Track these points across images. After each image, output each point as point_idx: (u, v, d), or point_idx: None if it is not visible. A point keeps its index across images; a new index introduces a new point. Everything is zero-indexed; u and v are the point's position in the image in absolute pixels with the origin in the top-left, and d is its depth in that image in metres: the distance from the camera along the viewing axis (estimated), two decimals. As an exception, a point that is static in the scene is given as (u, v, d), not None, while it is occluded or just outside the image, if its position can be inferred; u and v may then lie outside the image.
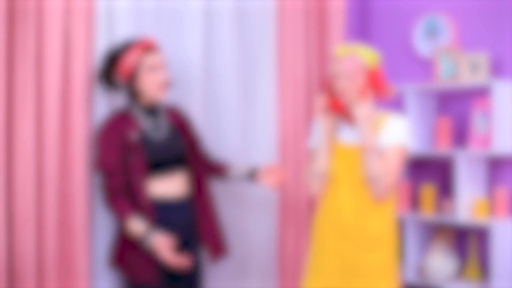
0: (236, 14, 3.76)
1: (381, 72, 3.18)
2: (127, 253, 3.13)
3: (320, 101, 3.20)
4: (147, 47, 3.16)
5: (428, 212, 4.11)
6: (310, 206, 4.03)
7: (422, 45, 4.30)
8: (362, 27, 4.60)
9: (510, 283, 3.79)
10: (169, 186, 3.19)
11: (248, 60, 3.86)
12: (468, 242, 4.15)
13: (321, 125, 3.20)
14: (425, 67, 4.35)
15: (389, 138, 3.13)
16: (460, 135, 4.20)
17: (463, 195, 3.90)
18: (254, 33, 3.86)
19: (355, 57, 3.11)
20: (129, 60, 3.13)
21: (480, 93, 4.13)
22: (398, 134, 3.14)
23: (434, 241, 4.10)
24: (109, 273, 3.33)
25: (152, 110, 3.21)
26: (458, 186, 3.90)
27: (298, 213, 3.97)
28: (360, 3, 4.59)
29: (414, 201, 4.41)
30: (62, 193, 3.19)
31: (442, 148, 4.08)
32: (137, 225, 3.05)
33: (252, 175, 3.40)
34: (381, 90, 3.17)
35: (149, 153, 3.14)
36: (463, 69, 4.01)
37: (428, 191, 4.12)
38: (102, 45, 3.29)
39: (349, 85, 3.11)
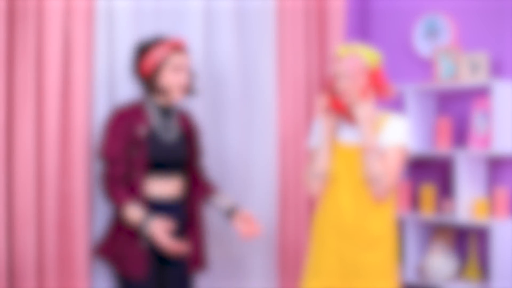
0: (236, 14, 3.76)
1: (382, 72, 3.18)
2: (116, 245, 3.12)
3: (321, 101, 3.20)
4: (177, 46, 3.15)
5: (428, 212, 4.11)
6: (310, 206, 4.03)
7: (422, 45, 4.30)
8: (362, 27, 4.60)
9: (510, 283, 3.79)
10: (165, 187, 3.18)
11: (248, 60, 3.86)
12: (468, 242, 4.15)
13: (321, 125, 3.20)
14: (425, 67, 4.35)
15: (389, 138, 3.13)
16: (460, 135, 4.20)
17: (463, 195, 3.90)
18: (254, 33, 3.86)
19: (356, 57, 3.11)
20: (156, 55, 3.11)
21: (480, 93, 4.13)
22: (398, 134, 3.14)
23: (434, 241, 4.10)
24: (109, 273, 3.33)
25: (166, 110, 3.20)
26: (458, 186, 3.90)
27: (298, 213, 3.97)
28: (360, 3, 4.59)
29: (414, 201, 4.41)
30: (62, 193, 3.19)
31: (442, 148, 4.08)
32: (134, 212, 3.04)
33: (230, 214, 3.31)
34: (382, 90, 3.17)
35: (154, 151, 3.13)
36: (463, 69, 4.01)
37: (428, 191, 4.12)
38: (102, 45, 3.29)
39: (351, 85, 3.12)
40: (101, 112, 3.29)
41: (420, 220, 4.16)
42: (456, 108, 4.21)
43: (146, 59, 3.14)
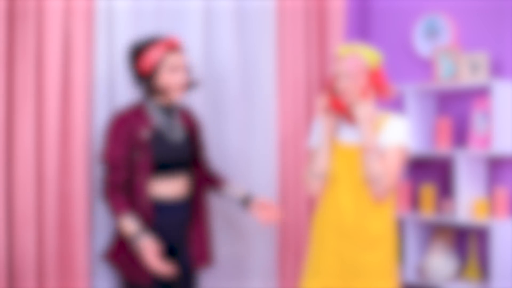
0: (236, 14, 3.76)
1: (382, 72, 3.18)
2: (123, 250, 3.13)
3: (322, 101, 3.20)
4: (172, 46, 3.13)
5: (428, 212, 4.11)
6: (310, 206, 4.03)
7: (422, 45, 4.30)
8: (362, 27, 4.60)
9: (510, 283, 3.79)
10: (170, 187, 3.18)
11: (248, 60, 3.86)
12: (468, 242, 4.15)
13: (321, 125, 3.20)
14: (425, 67, 4.35)
15: (389, 138, 3.13)
16: (460, 135, 4.20)
17: (463, 195, 3.90)
18: (254, 33, 3.86)
19: (357, 57, 3.11)
20: (151, 56, 3.10)
21: (480, 93, 4.13)
22: (398, 134, 3.14)
23: (434, 241, 4.10)
24: (109, 273, 3.33)
25: (168, 110, 3.19)
26: (458, 186, 3.90)
27: (298, 213, 3.97)
28: (360, 3, 4.59)
29: (414, 201, 4.41)
30: (62, 193, 3.19)
31: (442, 148, 4.08)
32: (129, 225, 3.04)
33: (245, 203, 3.33)
34: (383, 90, 3.17)
35: (158, 153, 3.12)
36: (463, 69, 4.01)
37: (428, 191, 4.12)
38: (102, 45, 3.29)
39: (351, 85, 3.11)
40: (101, 111, 3.29)
41: (420, 220, 4.16)
42: (456, 108, 4.21)
43: (143, 61, 3.12)
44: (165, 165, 3.13)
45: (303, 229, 3.98)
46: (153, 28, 3.47)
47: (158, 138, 3.14)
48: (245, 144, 3.81)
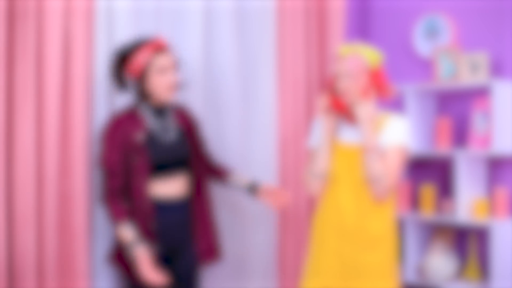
0: (236, 14, 3.76)
1: (383, 72, 3.18)
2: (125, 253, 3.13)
3: (322, 101, 3.20)
4: (159, 47, 3.13)
5: (428, 212, 4.11)
6: (310, 206, 4.03)
7: (422, 45, 4.30)
8: (362, 27, 4.60)
9: (510, 283, 3.79)
10: (170, 187, 3.18)
11: (248, 60, 3.86)
12: (468, 242, 4.15)
13: (322, 125, 3.19)
14: (425, 67, 4.35)
15: (389, 138, 3.13)
16: (460, 135, 4.20)
17: (463, 195, 3.90)
18: (254, 33, 3.86)
19: (358, 57, 3.11)
20: (139, 60, 3.10)
21: (480, 93, 4.13)
22: (398, 134, 3.15)
23: (434, 241, 4.10)
24: (109, 273, 3.33)
25: (160, 111, 3.20)
26: (458, 186, 3.89)
27: (298, 213, 3.97)
28: (360, 3, 4.59)
29: (414, 201, 4.41)
30: (62, 193, 3.19)
31: (442, 148, 4.08)
32: (126, 232, 3.05)
33: (252, 190, 3.39)
34: (383, 90, 3.17)
35: (154, 155, 3.12)
36: (463, 69, 4.01)
37: (428, 191, 4.12)
38: (102, 45, 3.29)
39: (352, 84, 3.11)
40: (101, 112, 3.29)
41: (420, 220, 4.16)
42: (456, 108, 4.21)
43: (131, 65, 3.12)
44: (162, 166, 3.14)
45: (303, 229, 3.98)
46: (153, 28, 3.47)
47: (153, 140, 3.14)
48: (245, 144, 3.81)
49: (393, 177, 3.11)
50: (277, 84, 3.95)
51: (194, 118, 3.36)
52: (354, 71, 3.10)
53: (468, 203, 3.92)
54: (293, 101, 3.96)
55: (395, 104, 4.48)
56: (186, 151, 3.24)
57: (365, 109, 3.11)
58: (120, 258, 3.15)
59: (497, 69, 4.03)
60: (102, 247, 3.31)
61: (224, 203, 3.74)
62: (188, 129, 3.31)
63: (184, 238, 3.25)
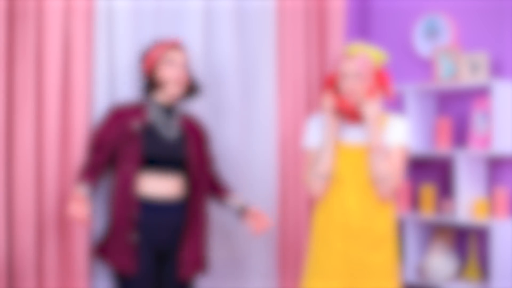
0: (236, 14, 3.76)
1: (387, 72, 3.20)
2: (111, 243, 3.13)
3: (328, 101, 3.18)
4: (173, 44, 3.24)
5: (428, 212, 4.11)
6: (310, 206, 4.03)
7: (422, 45, 4.30)
8: (362, 27, 4.60)
9: (510, 283, 3.79)
10: (160, 186, 3.18)
11: (248, 60, 3.86)
12: (468, 242, 4.15)
13: (327, 125, 3.18)
14: (425, 67, 4.35)
15: (393, 138, 3.16)
16: (460, 135, 4.20)
17: (463, 195, 3.90)
18: (254, 33, 3.86)
19: (366, 57, 3.11)
20: (153, 54, 3.22)
21: (480, 93, 4.13)
22: (401, 134, 3.18)
23: (434, 241, 4.10)
24: (109, 273, 3.33)
25: (167, 109, 3.23)
26: (458, 186, 3.89)
27: (298, 213, 3.97)
28: (360, 3, 4.59)
29: (414, 201, 4.41)
30: (62, 193, 3.19)
31: (442, 148, 4.08)
32: (77, 190, 3.01)
33: (241, 213, 3.39)
34: (387, 90, 3.18)
35: (148, 147, 3.14)
36: (463, 69, 4.01)
37: (428, 191, 4.12)
38: (102, 45, 3.29)
39: (359, 84, 3.11)
40: (101, 112, 3.29)
41: (420, 220, 4.16)
42: (456, 108, 4.21)
43: (146, 60, 3.24)
44: (154, 161, 3.15)
45: (303, 229, 3.98)
46: (153, 28, 3.47)
47: (151, 132, 3.18)
48: (245, 144, 3.81)
49: (398, 177, 3.12)
50: (277, 84, 3.95)
51: (204, 130, 3.38)
52: (363, 71, 3.10)
53: (468, 203, 3.92)
54: (293, 101, 3.96)
55: (395, 104, 4.48)
56: (183, 153, 3.24)
57: (372, 108, 3.12)
58: (104, 248, 3.14)
59: (497, 69, 4.03)
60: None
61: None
62: (193, 137, 3.32)
63: (173, 243, 3.24)
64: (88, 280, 3.22)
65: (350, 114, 3.16)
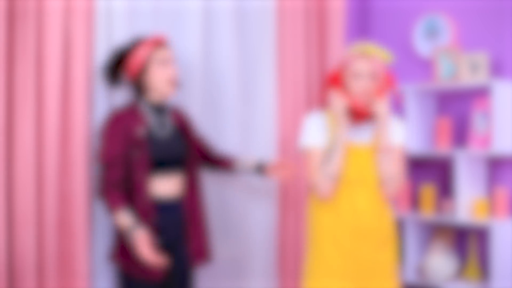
0: (236, 14, 3.76)
1: (392, 72, 3.22)
2: (126, 248, 3.12)
3: (339, 100, 3.17)
4: (158, 42, 3.17)
5: (428, 212, 4.11)
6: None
7: (422, 45, 4.30)
8: (362, 27, 4.60)
9: (510, 283, 3.79)
10: (167, 186, 3.18)
11: (248, 60, 3.86)
12: (468, 242, 4.15)
13: (339, 125, 3.14)
14: (425, 67, 4.35)
15: (395, 138, 3.19)
16: (460, 135, 4.20)
17: (463, 195, 3.90)
18: (254, 33, 3.86)
19: (378, 57, 3.13)
20: (139, 55, 3.14)
21: (480, 93, 4.13)
22: (401, 134, 3.24)
23: (434, 241, 4.10)
24: (109, 273, 3.33)
25: (159, 108, 3.21)
26: (458, 186, 3.90)
27: (298, 213, 3.97)
28: (360, 3, 4.59)
29: (414, 201, 4.41)
30: (62, 193, 3.19)
31: (442, 148, 4.08)
32: (124, 218, 3.03)
33: (260, 169, 3.44)
34: (394, 90, 3.21)
35: (154, 150, 3.13)
36: (463, 69, 4.01)
37: (428, 191, 4.12)
38: (102, 45, 3.29)
39: (372, 84, 3.12)
40: (101, 112, 3.29)
41: (420, 220, 4.16)
42: (456, 108, 4.21)
43: (131, 61, 3.15)
44: (161, 163, 3.14)
45: (304, 229, 3.98)
46: (152, 28, 3.47)
47: (152, 136, 3.15)
48: (245, 144, 3.81)
49: (403, 176, 3.17)
50: (277, 84, 3.95)
51: (188, 117, 3.37)
52: (377, 72, 3.11)
53: (468, 203, 3.92)
54: (293, 101, 3.96)
55: (395, 104, 4.48)
56: (182, 149, 3.24)
57: (384, 108, 3.13)
58: (120, 254, 3.13)
59: (497, 69, 4.03)
60: (102, 247, 3.31)
61: (224, 203, 3.74)
62: (184, 129, 3.31)
63: (177, 238, 3.25)
64: (88, 280, 3.22)
65: (360, 114, 3.16)
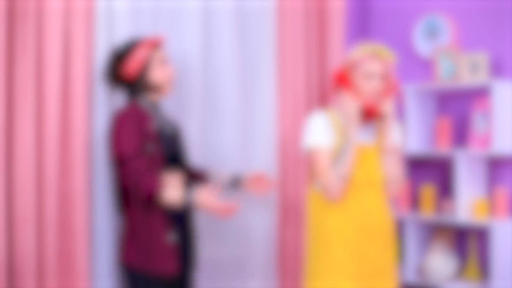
0: (236, 14, 3.76)
1: (395, 73, 3.26)
2: (143, 248, 3.09)
3: (353, 102, 3.13)
4: (156, 43, 3.21)
5: (428, 212, 4.11)
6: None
7: (422, 45, 4.30)
8: (362, 27, 4.60)
9: (510, 283, 3.79)
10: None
11: (248, 60, 3.86)
12: (468, 242, 4.15)
13: (353, 126, 3.12)
14: (425, 67, 4.35)
15: (395, 138, 3.24)
16: (460, 135, 4.20)
17: (463, 195, 3.90)
18: (254, 33, 3.86)
19: (388, 58, 3.15)
20: (139, 55, 3.16)
21: (480, 93, 4.13)
22: (399, 135, 3.27)
23: (434, 241, 4.10)
24: (109, 273, 3.33)
25: (157, 107, 3.23)
26: (458, 186, 3.90)
27: (298, 213, 3.97)
28: (360, 3, 4.59)
29: (414, 201, 4.41)
30: (62, 193, 3.19)
31: (442, 148, 4.08)
32: (174, 192, 2.97)
33: (235, 183, 3.40)
34: (398, 91, 3.25)
35: (165, 145, 3.16)
36: (463, 69, 4.01)
37: (428, 191, 4.12)
38: (102, 45, 3.29)
39: (382, 85, 3.14)
40: (101, 112, 3.29)
41: (420, 220, 4.16)
42: (456, 108, 4.21)
43: (129, 62, 3.15)
44: (172, 158, 3.16)
45: (304, 229, 3.98)
46: (152, 28, 3.47)
47: (162, 131, 3.18)
48: (245, 144, 3.81)
49: (403, 177, 3.22)
50: (277, 84, 3.95)
51: (177, 122, 3.40)
52: (387, 72, 3.14)
53: (468, 203, 3.92)
54: (293, 101, 3.96)
55: (395, 104, 4.49)
56: (184, 147, 3.27)
57: (392, 108, 3.16)
58: (134, 256, 3.09)
59: (497, 69, 4.03)
60: (103, 247, 3.31)
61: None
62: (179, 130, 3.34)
63: (188, 236, 3.26)
64: (89, 280, 3.22)
65: (369, 114, 3.16)
